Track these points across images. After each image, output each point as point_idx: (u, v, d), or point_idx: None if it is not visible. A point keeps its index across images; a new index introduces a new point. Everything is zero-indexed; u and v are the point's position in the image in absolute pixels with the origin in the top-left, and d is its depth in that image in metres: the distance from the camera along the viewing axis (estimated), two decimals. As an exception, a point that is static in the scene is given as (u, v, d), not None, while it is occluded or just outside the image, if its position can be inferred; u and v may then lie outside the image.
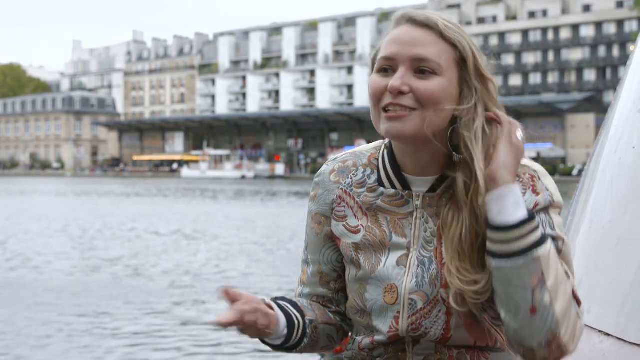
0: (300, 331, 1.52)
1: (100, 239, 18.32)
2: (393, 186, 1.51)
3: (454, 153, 1.45)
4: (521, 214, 1.35)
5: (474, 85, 1.45)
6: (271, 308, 1.47)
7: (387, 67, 1.45)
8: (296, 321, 1.52)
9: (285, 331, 1.49)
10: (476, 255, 1.41)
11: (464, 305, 1.41)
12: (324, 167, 1.61)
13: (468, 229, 1.41)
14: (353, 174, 1.56)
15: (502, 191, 1.35)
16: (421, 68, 1.42)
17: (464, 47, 1.44)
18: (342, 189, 1.56)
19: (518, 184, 1.39)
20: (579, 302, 1.43)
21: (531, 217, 1.35)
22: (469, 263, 1.40)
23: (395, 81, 1.42)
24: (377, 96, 1.45)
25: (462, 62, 1.44)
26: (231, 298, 1.39)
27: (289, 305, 1.53)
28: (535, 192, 1.45)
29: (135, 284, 11.58)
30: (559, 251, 1.42)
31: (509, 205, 1.35)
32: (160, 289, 11.16)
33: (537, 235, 1.34)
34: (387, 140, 1.56)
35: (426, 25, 1.44)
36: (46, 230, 20.53)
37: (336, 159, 1.60)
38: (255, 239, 18.55)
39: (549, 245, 1.36)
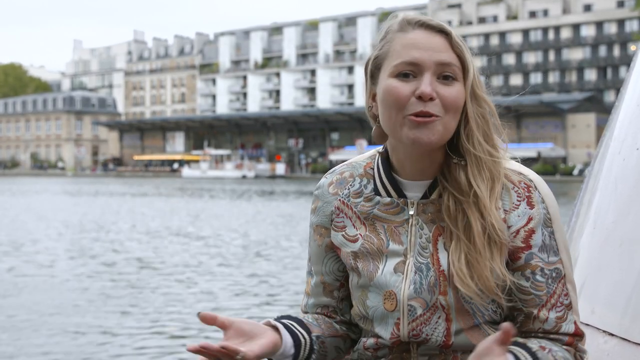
0: (308, 348, 1.54)
1: (121, 241, 18.12)
2: (389, 194, 1.53)
3: (453, 157, 1.49)
4: None
5: (468, 100, 1.47)
6: (276, 329, 1.48)
7: (408, 72, 1.44)
8: (302, 339, 1.53)
9: (293, 350, 1.50)
10: (486, 243, 1.44)
11: (485, 296, 1.45)
12: (322, 180, 1.63)
13: (473, 215, 1.45)
14: (350, 185, 1.58)
15: None
16: (445, 74, 1.44)
17: (467, 61, 1.46)
18: (340, 200, 1.58)
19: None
20: (580, 336, 1.49)
21: None
22: (480, 253, 1.43)
23: (426, 87, 1.42)
24: (401, 102, 1.44)
25: (463, 75, 1.47)
26: (217, 325, 1.38)
27: (294, 324, 1.54)
28: (530, 204, 1.47)
29: (152, 293, 11.14)
30: (563, 275, 1.48)
31: None
32: (178, 297, 10.85)
33: None
34: (381, 149, 1.59)
35: (441, 31, 1.46)
36: (61, 233, 20.42)
37: (334, 171, 1.63)
38: (269, 239, 18.57)
39: None
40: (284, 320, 1.54)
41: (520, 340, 1.43)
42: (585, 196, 2.16)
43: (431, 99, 1.42)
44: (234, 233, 20.12)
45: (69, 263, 14.18)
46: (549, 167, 69.55)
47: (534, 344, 1.43)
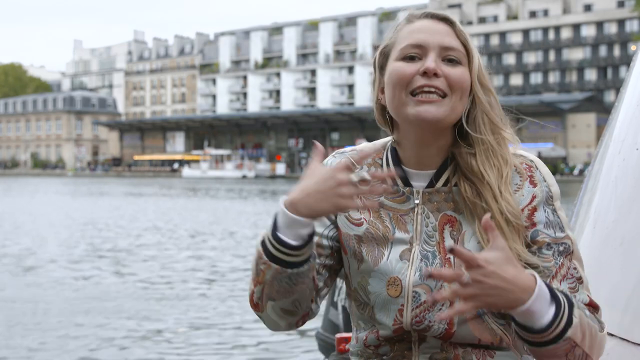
0: (309, 254, 1.45)
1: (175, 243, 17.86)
2: (395, 183, 1.55)
3: (464, 145, 1.52)
4: (551, 312, 1.35)
5: (475, 87, 1.52)
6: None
7: (414, 55, 1.50)
8: (312, 244, 1.46)
9: (307, 239, 1.43)
10: (505, 224, 1.46)
11: None
12: (330, 159, 1.63)
13: (489, 197, 1.48)
14: (358, 171, 1.58)
15: (531, 303, 1.34)
16: (449, 57, 1.49)
17: (471, 49, 1.52)
18: None
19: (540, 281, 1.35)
20: (596, 308, 1.48)
21: (557, 306, 1.36)
22: (503, 232, 1.45)
23: (430, 63, 1.47)
24: (406, 80, 1.48)
25: (468, 63, 1.52)
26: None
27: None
28: (533, 183, 1.52)
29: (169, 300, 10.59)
30: (571, 252, 1.50)
31: (539, 310, 1.35)
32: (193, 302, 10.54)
33: (564, 319, 1.36)
34: (391, 140, 1.61)
35: (446, 20, 1.53)
36: (73, 233, 20.27)
37: (343, 153, 1.63)
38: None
39: (576, 320, 1.38)
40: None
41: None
42: (585, 196, 2.16)
43: (436, 75, 1.47)
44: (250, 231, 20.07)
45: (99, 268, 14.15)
46: (549, 167, 69.13)
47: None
